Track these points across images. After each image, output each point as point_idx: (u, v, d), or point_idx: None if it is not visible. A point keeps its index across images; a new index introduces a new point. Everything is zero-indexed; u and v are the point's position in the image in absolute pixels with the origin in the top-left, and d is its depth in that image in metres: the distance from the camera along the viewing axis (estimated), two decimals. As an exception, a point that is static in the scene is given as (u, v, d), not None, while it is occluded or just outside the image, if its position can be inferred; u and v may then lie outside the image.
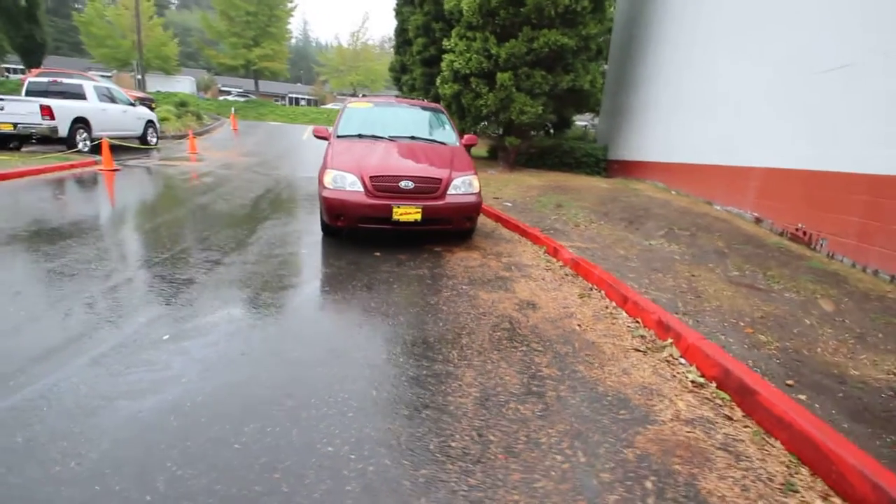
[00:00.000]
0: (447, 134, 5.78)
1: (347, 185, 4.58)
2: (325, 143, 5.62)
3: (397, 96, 10.54)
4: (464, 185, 4.74)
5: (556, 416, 2.26)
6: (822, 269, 4.06)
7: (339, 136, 5.49)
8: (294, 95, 56.86)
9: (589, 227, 5.72)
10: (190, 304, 3.25)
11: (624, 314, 3.38)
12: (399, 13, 17.50)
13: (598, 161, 12.17)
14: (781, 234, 5.18)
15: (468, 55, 10.72)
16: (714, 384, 2.51)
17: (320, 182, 4.77)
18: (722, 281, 3.93)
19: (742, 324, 3.12)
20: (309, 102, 54.37)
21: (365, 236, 5.07)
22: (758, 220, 5.60)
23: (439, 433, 2.09)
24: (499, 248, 5.07)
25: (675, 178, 7.96)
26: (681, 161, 7.64)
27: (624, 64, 11.39)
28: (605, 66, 13.00)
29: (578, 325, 3.24)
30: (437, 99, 14.47)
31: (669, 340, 2.87)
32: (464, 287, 3.86)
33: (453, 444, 2.02)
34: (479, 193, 4.84)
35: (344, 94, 53.15)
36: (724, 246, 4.84)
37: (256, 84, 43.94)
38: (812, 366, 2.68)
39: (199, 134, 16.96)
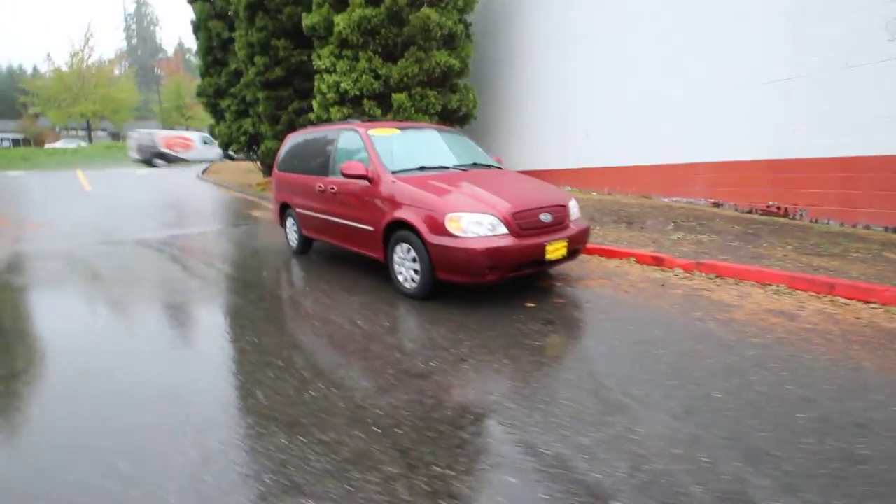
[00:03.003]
0: (487, 156, 5.14)
1: (487, 228, 3.60)
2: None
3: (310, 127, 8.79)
4: (575, 208, 4.32)
5: None
6: (828, 232, 5.25)
7: (395, 172, 4.27)
8: (-14, 135, 41.27)
9: (607, 236, 5.92)
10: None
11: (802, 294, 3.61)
12: (203, 28, 14.60)
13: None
14: (751, 212, 6.49)
15: (354, 75, 9.78)
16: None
17: (436, 230, 3.64)
18: (795, 250, 4.66)
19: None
20: (18, 142, 40.18)
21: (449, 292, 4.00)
22: (716, 205, 6.87)
23: None
24: (598, 271, 4.73)
25: (591, 182, 8.99)
26: (603, 165, 8.69)
27: (510, 82, 12.07)
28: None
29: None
30: (305, 125, 12.71)
31: None
32: (702, 315, 3.50)
33: None
34: None
35: (73, 128, 41.30)
36: (733, 228, 5.71)
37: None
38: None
39: None
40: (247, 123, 14.36)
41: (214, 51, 14.90)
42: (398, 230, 4.04)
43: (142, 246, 6.90)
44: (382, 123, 5.16)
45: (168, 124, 40.63)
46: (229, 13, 14.28)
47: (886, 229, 5.06)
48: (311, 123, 12.67)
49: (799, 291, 3.75)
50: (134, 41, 65.49)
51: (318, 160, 5.34)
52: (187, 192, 15.33)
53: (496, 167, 4.92)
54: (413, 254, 3.89)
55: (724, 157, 6.61)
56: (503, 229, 3.62)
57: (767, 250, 4.81)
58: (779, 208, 6.15)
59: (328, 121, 10.68)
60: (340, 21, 9.78)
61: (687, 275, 4.42)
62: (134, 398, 2.50)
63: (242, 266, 5.62)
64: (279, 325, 3.55)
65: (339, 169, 4.41)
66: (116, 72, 44.64)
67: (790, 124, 5.84)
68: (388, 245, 4.20)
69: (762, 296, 3.76)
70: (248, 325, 3.54)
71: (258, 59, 12.13)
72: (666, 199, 7.61)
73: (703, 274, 4.37)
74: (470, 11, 10.41)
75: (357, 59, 9.99)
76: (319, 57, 10.35)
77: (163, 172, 20.43)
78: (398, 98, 9.75)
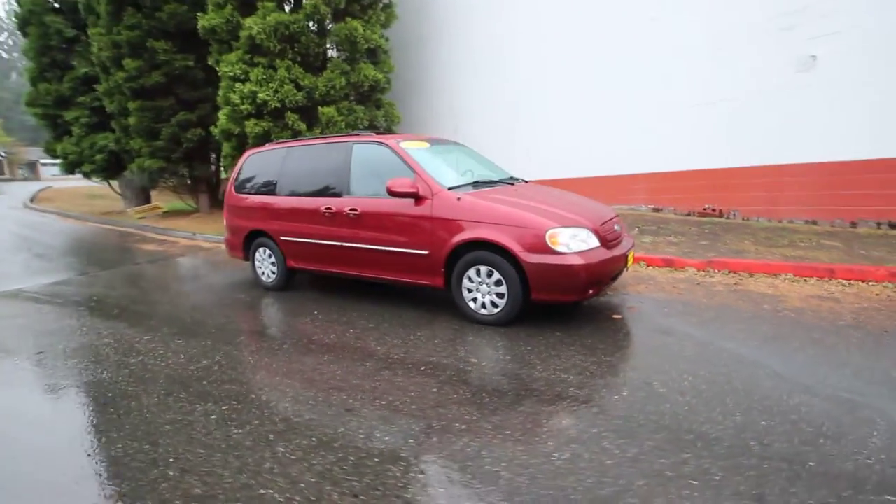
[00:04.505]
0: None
1: (585, 243, 3.42)
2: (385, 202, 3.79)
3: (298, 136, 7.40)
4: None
5: None
6: (766, 227, 6.28)
7: (451, 189, 3.81)
8: None
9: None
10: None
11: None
12: (37, 24, 11.49)
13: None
14: (689, 215, 7.42)
15: (273, 85, 8.74)
16: None
17: (534, 248, 3.32)
18: (755, 243, 5.48)
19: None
20: None
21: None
22: (656, 210, 7.72)
23: None
24: (623, 277, 4.79)
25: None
26: (546, 178, 9.15)
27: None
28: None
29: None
30: (204, 142, 10.77)
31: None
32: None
33: None
34: None
35: None
36: (690, 230, 6.48)
37: None
38: None
39: None
40: (107, 139, 11.70)
41: (53, 51, 11.89)
42: (471, 251, 3.63)
43: (26, 300, 5.04)
44: (410, 136, 4.63)
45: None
46: (73, 7, 11.57)
47: (806, 222, 6.31)
48: (204, 138, 10.89)
49: (808, 278, 4.41)
50: None
51: (320, 179, 4.55)
52: (25, 225, 11.87)
53: (525, 181, 4.79)
54: (496, 276, 3.53)
55: (664, 169, 7.52)
56: (595, 242, 3.49)
57: (739, 245, 5.57)
58: (714, 210, 7.20)
59: (242, 135, 9.30)
60: (253, 25, 8.66)
61: (702, 272, 4.86)
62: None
63: (221, 320, 4.44)
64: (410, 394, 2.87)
65: (386, 187, 3.78)
66: None
67: (718, 139, 6.91)
68: (453, 269, 3.75)
69: (787, 285, 4.28)
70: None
71: (129, 63, 10.02)
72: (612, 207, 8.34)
73: (716, 270, 4.86)
74: (389, 27, 10.15)
75: (274, 68, 8.93)
76: (225, 63, 8.98)
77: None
78: (327, 111, 8.97)
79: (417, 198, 3.81)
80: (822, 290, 4.10)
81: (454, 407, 2.44)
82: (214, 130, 9.57)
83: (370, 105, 9.97)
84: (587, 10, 8.04)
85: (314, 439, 2.20)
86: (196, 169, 11.51)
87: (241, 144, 9.56)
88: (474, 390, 2.62)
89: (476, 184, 4.06)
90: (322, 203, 4.43)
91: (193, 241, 9.23)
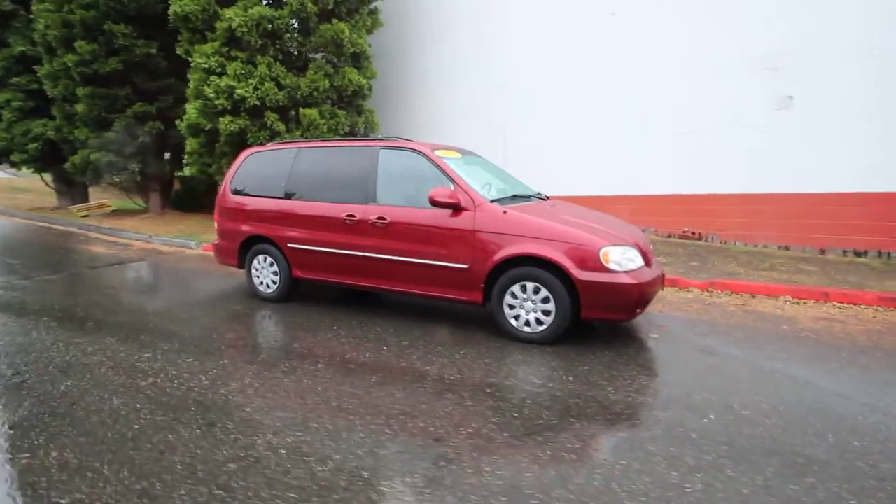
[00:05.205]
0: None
1: (633, 261, 3.40)
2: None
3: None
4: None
5: None
6: (745, 252, 6.71)
7: (493, 202, 3.68)
8: None
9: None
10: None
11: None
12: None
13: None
14: (670, 237, 7.75)
15: (253, 82, 8.23)
16: None
17: (587, 266, 3.26)
18: (740, 266, 5.81)
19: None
20: None
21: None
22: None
23: None
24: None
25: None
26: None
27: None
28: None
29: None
30: (162, 138, 9.83)
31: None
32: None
33: None
34: None
35: None
36: (677, 251, 6.80)
37: None
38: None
39: None
40: (44, 126, 10.42)
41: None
42: (516, 267, 3.51)
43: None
44: (442, 145, 4.43)
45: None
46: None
47: (780, 247, 6.81)
48: (166, 131, 9.99)
49: (806, 300, 4.71)
50: None
51: (339, 184, 4.25)
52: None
53: (548, 197, 4.75)
54: (543, 293, 3.43)
55: (645, 192, 7.85)
56: (641, 261, 3.51)
57: (727, 268, 5.89)
58: (693, 233, 7.60)
59: (214, 132, 8.60)
60: (234, 16, 8.14)
61: (707, 293, 5.06)
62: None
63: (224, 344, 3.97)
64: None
65: (429, 196, 3.57)
66: None
67: (698, 166, 7.34)
68: (492, 285, 3.61)
69: (790, 307, 4.53)
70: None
71: (82, 46, 9.03)
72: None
73: (719, 291, 5.08)
74: (374, 32, 9.92)
75: (254, 64, 8.42)
76: (199, 54, 8.33)
77: None
78: (309, 113, 8.58)
79: (457, 209, 3.65)
80: (823, 312, 4.39)
81: (549, 434, 2.29)
82: (180, 124, 8.81)
83: (352, 110, 9.65)
84: (580, 34, 8.32)
85: (416, 476, 1.96)
86: (149, 165, 10.54)
87: (211, 141, 8.89)
88: (558, 415, 2.48)
89: (515, 197, 3.97)
90: (343, 210, 4.13)
91: (150, 245, 8.38)
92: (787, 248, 6.74)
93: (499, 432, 2.30)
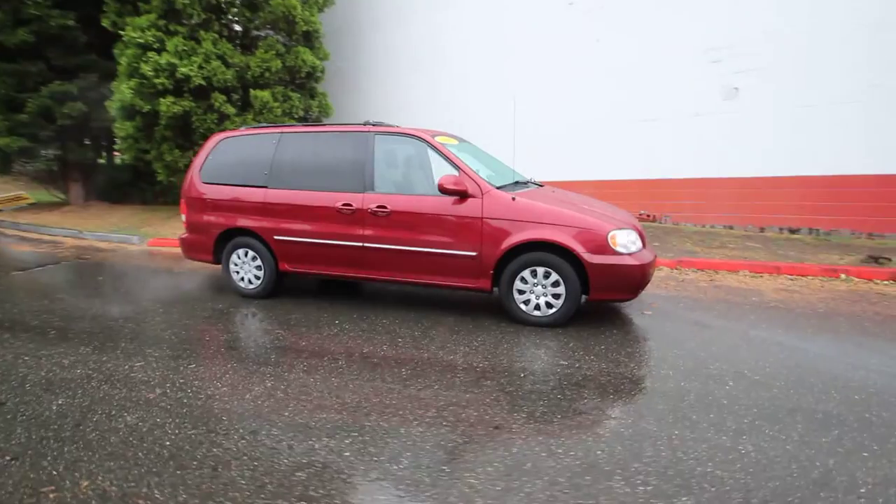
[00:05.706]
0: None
1: (633, 244, 3.55)
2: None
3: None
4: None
5: None
6: (697, 231, 7.28)
7: (499, 188, 3.68)
8: None
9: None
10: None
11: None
12: None
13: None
14: (627, 219, 8.24)
15: (197, 59, 7.56)
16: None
17: (596, 250, 3.38)
18: (695, 244, 6.33)
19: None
20: None
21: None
22: (597, 214, 8.42)
23: None
24: None
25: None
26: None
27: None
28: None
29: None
30: (85, 120, 8.63)
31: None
32: None
33: None
34: None
35: None
36: None
37: None
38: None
39: None
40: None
41: None
42: (526, 252, 3.55)
43: None
44: (439, 131, 4.30)
45: None
46: None
47: (725, 227, 7.47)
48: (86, 115, 8.85)
49: (761, 274, 5.23)
50: None
51: (331, 172, 4.03)
52: None
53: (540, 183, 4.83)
54: (553, 277, 3.51)
55: (605, 177, 8.24)
56: (641, 244, 3.70)
57: (684, 246, 6.37)
58: (649, 215, 8.10)
59: (153, 114, 7.76)
60: (172, -15, 7.34)
61: (676, 270, 5.45)
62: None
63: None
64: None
65: (438, 184, 3.49)
66: None
67: (654, 153, 7.82)
68: (502, 271, 3.64)
69: (750, 280, 5.01)
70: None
71: (-21, 10, 7.73)
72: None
73: (686, 269, 5.49)
74: (325, 11, 9.41)
75: (197, 40, 7.72)
76: (132, 27, 7.47)
77: None
78: (261, 95, 8.06)
79: (465, 196, 3.62)
80: (780, 283, 4.90)
81: (598, 412, 2.38)
82: (111, 105, 7.89)
83: (304, 93, 9.17)
84: (541, 25, 8.45)
85: (496, 465, 1.96)
86: (70, 152, 9.38)
87: (149, 125, 8.07)
88: (597, 393, 2.58)
89: (517, 184, 4.01)
90: (337, 199, 3.95)
91: (83, 241, 7.52)
92: (731, 228, 7.40)
93: (551, 415, 2.36)
